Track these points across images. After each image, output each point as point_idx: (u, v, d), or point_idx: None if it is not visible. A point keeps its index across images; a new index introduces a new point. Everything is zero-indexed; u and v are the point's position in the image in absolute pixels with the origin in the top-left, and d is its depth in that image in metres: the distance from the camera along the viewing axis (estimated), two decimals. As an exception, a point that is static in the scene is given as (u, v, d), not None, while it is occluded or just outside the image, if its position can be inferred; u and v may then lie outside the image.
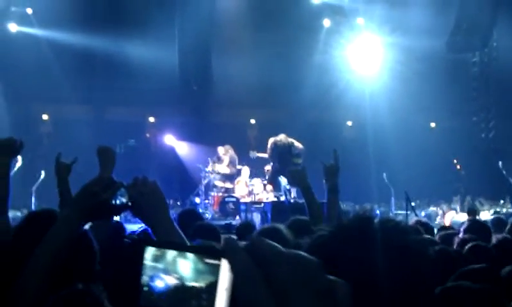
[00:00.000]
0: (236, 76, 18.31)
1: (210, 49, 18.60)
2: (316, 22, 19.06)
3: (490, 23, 17.89)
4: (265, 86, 18.39)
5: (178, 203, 15.88)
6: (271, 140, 15.32)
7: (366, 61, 18.89)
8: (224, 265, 0.97)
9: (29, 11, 17.45)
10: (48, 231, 2.19)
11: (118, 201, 2.21)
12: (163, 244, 1.01)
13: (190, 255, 0.99)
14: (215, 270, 0.97)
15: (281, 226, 4.25)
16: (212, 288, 0.97)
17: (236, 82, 18.35)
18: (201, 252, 0.99)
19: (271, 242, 0.96)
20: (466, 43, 18.16)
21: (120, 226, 4.56)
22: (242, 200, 15.02)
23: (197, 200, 15.51)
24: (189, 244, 2.02)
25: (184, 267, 0.98)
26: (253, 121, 19.89)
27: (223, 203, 14.93)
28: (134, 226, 5.95)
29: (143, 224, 2.51)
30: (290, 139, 15.20)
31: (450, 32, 17.99)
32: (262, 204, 14.26)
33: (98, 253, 2.62)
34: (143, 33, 17.52)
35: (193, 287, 0.98)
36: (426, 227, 6.07)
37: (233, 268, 0.95)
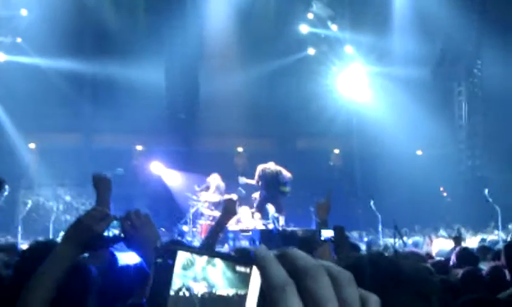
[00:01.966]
0: (224, 104, 18.37)
1: (198, 77, 18.69)
2: (304, 50, 19.27)
3: (475, 52, 18.15)
4: (253, 114, 18.49)
5: (163, 230, 15.82)
6: (260, 167, 15.36)
7: (353, 90, 19.08)
8: (255, 274, 0.94)
9: (18, 40, 17.49)
10: (43, 264, 2.20)
11: (110, 233, 2.24)
12: (194, 249, 0.98)
13: (220, 263, 0.96)
14: (246, 278, 0.95)
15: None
16: (242, 297, 0.94)
17: (224, 110, 18.40)
18: (233, 260, 0.97)
19: (303, 252, 0.96)
20: (452, 72, 18.40)
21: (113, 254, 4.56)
22: (230, 228, 14.98)
23: (185, 228, 15.45)
24: None
25: (213, 275, 0.96)
26: (240, 149, 19.93)
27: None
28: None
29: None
30: (278, 168, 15.24)
31: (436, 61, 18.23)
32: (250, 232, 14.24)
33: (97, 281, 2.63)
34: (131, 61, 17.57)
35: (223, 296, 0.95)
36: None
37: (266, 278, 0.92)
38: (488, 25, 17.46)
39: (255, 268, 0.94)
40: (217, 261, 0.96)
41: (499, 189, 15.21)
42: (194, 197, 15.57)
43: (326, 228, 5.38)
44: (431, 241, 12.88)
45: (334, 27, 19.09)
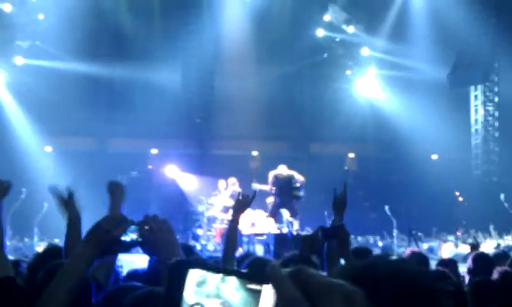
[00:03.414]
0: (239, 108, 18.41)
1: (214, 81, 18.73)
2: (319, 54, 19.24)
3: (491, 56, 18.03)
4: (268, 117, 18.50)
5: (177, 237, 15.82)
6: (272, 173, 15.30)
7: (369, 94, 19.04)
8: (267, 292, 0.96)
9: (37, 43, 17.63)
10: (60, 268, 2.22)
11: (128, 238, 2.25)
12: (207, 266, 1.00)
13: (233, 280, 0.98)
14: (258, 296, 0.96)
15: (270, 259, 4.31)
16: None
17: (239, 113, 18.44)
18: (245, 277, 0.98)
19: (316, 271, 0.97)
20: (468, 76, 18.29)
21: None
22: (244, 232, 14.96)
23: (199, 232, 15.47)
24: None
25: (227, 292, 0.98)
26: (255, 153, 19.93)
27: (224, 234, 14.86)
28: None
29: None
30: (291, 172, 15.19)
31: (452, 65, 18.13)
32: (265, 236, 14.21)
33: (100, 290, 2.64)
34: (147, 65, 17.69)
35: None
36: (419, 259, 6.08)
37: (278, 296, 0.94)
38: (505, 30, 17.34)
39: (267, 286, 0.96)
40: (231, 278, 0.98)
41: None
42: (209, 200, 15.58)
43: (341, 222, 5.37)
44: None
45: (350, 29, 19.04)
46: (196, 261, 1.12)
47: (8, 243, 13.19)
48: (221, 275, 0.99)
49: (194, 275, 1.00)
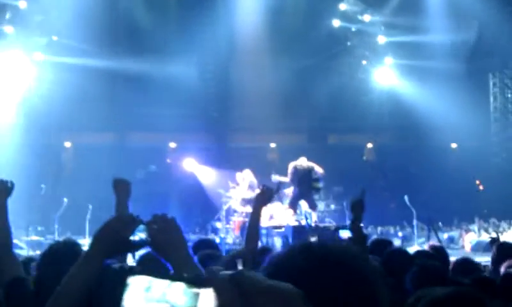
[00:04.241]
0: (255, 100, 18.39)
1: (230, 74, 18.75)
2: (335, 45, 19.14)
3: (510, 44, 17.83)
4: (285, 109, 18.47)
5: (197, 230, 15.88)
6: (292, 164, 15.27)
7: (386, 83, 18.95)
8: (208, 294, 1.01)
9: (54, 38, 17.73)
10: (70, 269, 2.22)
11: (137, 237, 2.26)
12: (150, 273, 1.06)
13: (179, 284, 1.04)
14: (198, 298, 1.03)
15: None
16: None
17: (256, 106, 18.42)
18: (188, 281, 1.04)
19: (254, 273, 1.00)
20: (486, 64, 18.12)
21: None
22: (262, 224, 14.94)
23: (218, 225, 15.51)
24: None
25: (172, 297, 1.04)
26: (273, 145, 19.92)
27: (243, 228, 14.88)
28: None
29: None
30: (311, 164, 15.14)
31: (470, 53, 17.96)
32: (283, 229, 14.21)
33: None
34: (164, 59, 17.74)
35: None
36: (439, 253, 6.02)
37: (217, 298, 1.00)
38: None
39: (207, 289, 1.02)
40: (177, 283, 1.05)
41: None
42: (228, 193, 15.61)
43: (361, 222, 5.36)
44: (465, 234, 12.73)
45: (366, 18, 18.92)
46: (137, 269, 1.16)
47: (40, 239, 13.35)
48: (167, 281, 1.06)
49: (141, 282, 1.07)
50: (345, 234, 5.15)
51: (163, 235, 2.19)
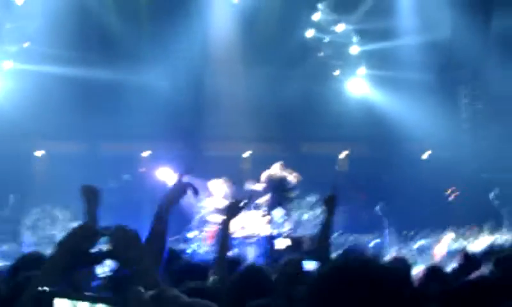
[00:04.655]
0: (229, 109, 18.42)
1: (203, 82, 18.75)
2: (309, 54, 19.25)
3: (481, 54, 18.10)
4: (259, 118, 18.53)
5: (171, 239, 15.73)
6: (265, 174, 15.31)
7: (359, 93, 19.14)
8: None
9: (25, 45, 17.53)
10: (32, 279, 2.19)
11: (99, 249, 2.25)
12: (72, 295, 1.07)
13: (101, 306, 1.09)
14: None
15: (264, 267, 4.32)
16: None
17: (229, 115, 18.45)
18: (109, 302, 1.06)
19: (175, 292, 1.03)
20: (457, 75, 18.38)
21: None
22: (235, 235, 14.89)
23: (190, 235, 15.42)
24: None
25: None
26: (247, 153, 19.89)
27: (217, 237, 14.80)
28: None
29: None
30: (284, 173, 15.19)
31: (440, 64, 18.21)
32: (254, 239, 14.19)
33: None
34: (137, 69, 17.70)
35: None
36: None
37: None
38: (495, 26, 17.45)
39: None
40: (99, 305, 1.08)
41: (506, 191, 15.18)
42: (200, 203, 15.54)
43: (332, 216, 5.47)
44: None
45: (340, 28, 19.08)
46: (60, 292, 1.16)
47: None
48: (88, 303, 1.10)
49: (63, 304, 1.10)
50: (310, 265, 5.15)
51: (124, 247, 2.18)
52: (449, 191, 18.84)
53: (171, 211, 4.38)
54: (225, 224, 5.05)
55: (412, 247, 12.47)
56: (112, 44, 18.30)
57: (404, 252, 12.01)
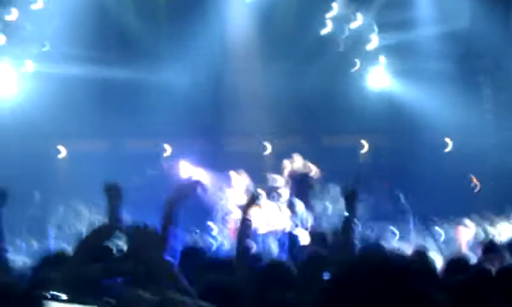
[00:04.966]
0: (249, 104, 18.48)
1: (223, 80, 18.81)
2: (327, 48, 19.17)
3: (502, 44, 17.90)
4: (279, 112, 18.60)
5: (197, 232, 15.82)
6: (287, 168, 15.29)
7: (379, 84, 19.07)
8: None
9: (45, 48, 17.67)
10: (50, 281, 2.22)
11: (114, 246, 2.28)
12: (63, 299, 1.09)
13: None
14: None
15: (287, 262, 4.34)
16: None
17: (249, 110, 18.49)
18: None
19: (181, 298, 1.03)
20: (478, 65, 18.22)
21: None
22: (257, 229, 14.88)
23: (214, 228, 15.48)
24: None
25: None
26: (267, 148, 19.87)
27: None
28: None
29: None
30: (307, 164, 15.17)
31: (461, 54, 18.06)
32: (278, 233, 14.17)
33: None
34: (156, 67, 17.81)
35: None
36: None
37: None
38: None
39: None
40: None
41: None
42: (223, 196, 15.56)
43: (354, 211, 5.51)
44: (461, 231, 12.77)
45: (357, 23, 18.98)
46: (53, 295, 1.17)
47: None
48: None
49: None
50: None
51: (143, 247, 2.21)
52: (474, 179, 18.71)
53: (180, 207, 4.41)
54: (244, 213, 5.06)
55: (436, 236, 12.39)
56: (131, 43, 18.44)
57: (428, 242, 11.93)
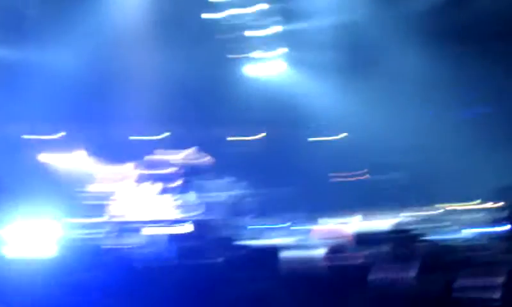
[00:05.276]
0: (137, 90, 18.14)
1: (111, 63, 18.33)
2: (211, 36, 19.02)
3: (389, 37, 18.40)
4: (167, 101, 18.26)
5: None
6: (176, 155, 15.29)
7: (264, 74, 19.17)
8: None
9: None
10: None
11: None
12: None
13: None
14: None
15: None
16: None
17: (137, 96, 18.15)
18: None
19: None
20: (366, 56, 18.71)
21: None
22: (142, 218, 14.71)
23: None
24: None
25: None
26: (159, 136, 19.56)
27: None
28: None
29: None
30: (196, 155, 15.23)
31: (351, 45, 18.45)
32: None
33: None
34: (43, 48, 17.22)
35: None
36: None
37: None
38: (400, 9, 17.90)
39: None
40: None
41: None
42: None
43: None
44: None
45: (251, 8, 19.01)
46: None
47: None
48: None
49: None
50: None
51: None
52: (363, 172, 19.21)
53: None
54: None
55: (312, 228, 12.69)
56: (15, 23, 17.63)
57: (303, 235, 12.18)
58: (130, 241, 12.72)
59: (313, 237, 11.54)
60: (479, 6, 17.10)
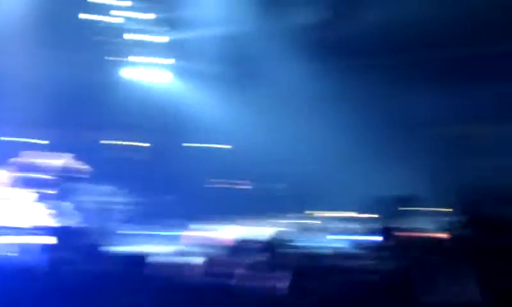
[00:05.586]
0: (23, 92, 17.33)
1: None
2: (91, 39, 18.61)
3: (270, 49, 18.64)
4: (55, 103, 17.70)
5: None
6: (51, 161, 14.84)
7: (145, 80, 18.97)
8: None
9: None
10: None
11: None
12: None
13: None
14: None
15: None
16: None
17: (16, 98, 17.42)
18: None
19: None
20: (247, 68, 18.91)
21: None
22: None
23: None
24: None
25: None
26: (42, 141, 18.76)
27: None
28: None
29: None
30: (71, 161, 14.86)
31: (235, 57, 18.58)
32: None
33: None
34: None
35: None
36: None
37: None
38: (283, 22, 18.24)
39: None
40: None
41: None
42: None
43: None
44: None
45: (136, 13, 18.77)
46: None
47: None
48: None
49: None
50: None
51: None
52: (233, 183, 19.38)
53: None
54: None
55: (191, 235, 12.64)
56: None
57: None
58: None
59: (184, 243, 11.47)
60: (364, 20, 17.72)
